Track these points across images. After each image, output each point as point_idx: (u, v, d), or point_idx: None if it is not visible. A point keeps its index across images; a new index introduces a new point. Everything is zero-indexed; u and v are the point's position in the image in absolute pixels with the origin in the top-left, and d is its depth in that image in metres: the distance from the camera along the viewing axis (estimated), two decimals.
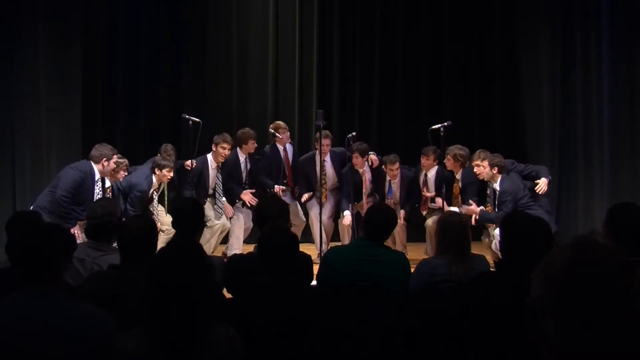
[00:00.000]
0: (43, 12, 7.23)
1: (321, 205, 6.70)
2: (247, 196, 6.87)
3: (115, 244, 3.69)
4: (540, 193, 6.24)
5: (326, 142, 6.77)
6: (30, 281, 2.19)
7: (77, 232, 5.48)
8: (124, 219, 3.99)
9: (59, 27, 7.36)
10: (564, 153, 7.66)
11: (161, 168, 6.41)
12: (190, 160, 6.67)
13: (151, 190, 6.50)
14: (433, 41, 8.63)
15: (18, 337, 2.08)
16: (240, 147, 7.01)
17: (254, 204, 6.61)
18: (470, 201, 6.36)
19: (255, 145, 7.02)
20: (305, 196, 7.06)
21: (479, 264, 3.48)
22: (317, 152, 6.91)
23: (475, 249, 3.77)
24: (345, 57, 8.65)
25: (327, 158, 7.03)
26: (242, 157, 7.04)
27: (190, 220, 3.65)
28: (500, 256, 3.38)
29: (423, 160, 6.91)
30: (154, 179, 6.46)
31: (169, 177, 6.50)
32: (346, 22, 8.67)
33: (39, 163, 7.16)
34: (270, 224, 3.41)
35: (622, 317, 1.07)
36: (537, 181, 6.27)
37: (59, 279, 2.26)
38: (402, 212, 6.85)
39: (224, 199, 6.90)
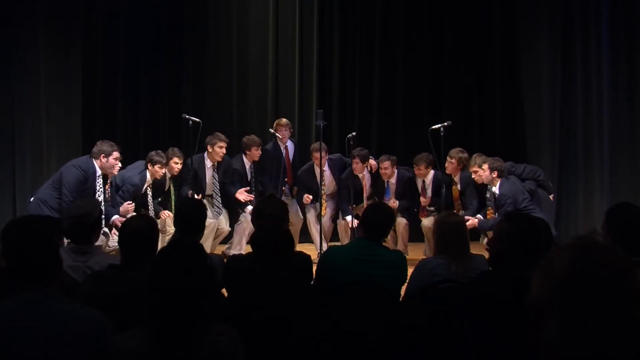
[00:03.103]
0: (43, 12, 7.22)
1: (320, 218, 6.70)
2: (242, 195, 6.89)
3: (96, 243, 3.67)
4: None
5: (322, 154, 6.75)
6: (27, 284, 2.18)
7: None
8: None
9: (59, 27, 7.36)
10: (564, 153, 7.66)
11: (153, 164, 6.40)
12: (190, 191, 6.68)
13: (145, 186, 6.49)
14: (433, 41, 8.62)
15: (15, 341, 2.06)
16: (245, 154, 7.06)
17: (248, 199, 6.80)
18: (467, 217, 6.30)
19: (259, 152, 7.03)
20: (306, 198, 7.05)
21: (479, 264, 3.48)
22: (315, 164, 6.98)
23: (474, 250, 3.77)
24: (345, 57, 8.65)
25: (326, 167, 7.05)
26: (247, 164, 7.08)
27: (191, 220, 3.65)
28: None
29: (416, 171, 6.95)
30: (148, 174, 6.46)
31: (161, 174, 6.48)
32: (346, 22, 8.67)
33: (39, 163, 7.15)
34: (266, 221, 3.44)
35: (623, 318, 1.07)
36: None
37: (55, 281, 2.25)
38: (397, 203, 6.87)
39: (220, 198, 6.95)
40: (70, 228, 3.47)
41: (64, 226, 3.46)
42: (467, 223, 6.12)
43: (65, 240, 3.75)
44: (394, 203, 6.85)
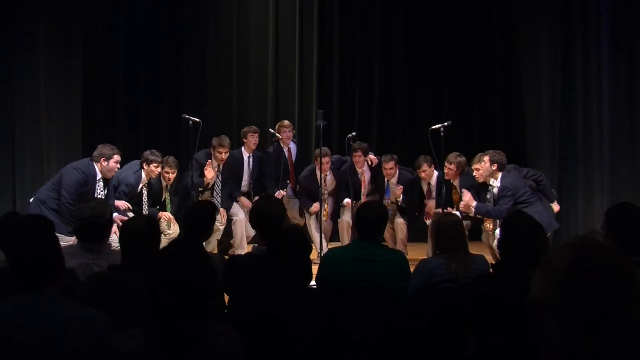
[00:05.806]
0: (43, 12, 7.22)
1: (321, 219, 6.68)
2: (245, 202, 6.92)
3: (107, 243, 3.69)
4: None
5: (326, 159, 6.68)
6: (27, 284, 2.18)
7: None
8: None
9: (59, 27, 7.35)
10: (564, 153, 7.65)
11: (149, 163, 6.33)
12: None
13: (140, 186, 6.45)
14: (433, 41, 8.63)
15: (15, 342, 2.06)
16: (243, 145, 7.06)
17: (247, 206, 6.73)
18: (464, 190, 6.26)
19: (256, 140, 7.02)
20: (314, 207, 6.98)
21: (479, 264, 3.48)
22: (317, 167, 6.91)
23: (474, 249, 3.78)
24: (345, 57, 8.66)
25: (328, 173, 7.03)
26: (245, 155, 7.07)
27: (199, 221, 3.66)
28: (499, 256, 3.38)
29: (422, 174, 6.82)
30: (143, 174, 6.42)
31: (157, 172, 6.42)
32: (346, 22, 8.67)
33: (39, 163, 7.15)
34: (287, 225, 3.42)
35: (624, 318, 1.07)
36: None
37: (57, 281, 2.24)
38: (401, 188, 6.87)
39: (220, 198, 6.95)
40: (83, 229, 3.46)
41: (76, 226, 3.48)
42: (464, 203, 6.12)
43: (75, 240, 3.75)
44: (399, 190, 6.84)
